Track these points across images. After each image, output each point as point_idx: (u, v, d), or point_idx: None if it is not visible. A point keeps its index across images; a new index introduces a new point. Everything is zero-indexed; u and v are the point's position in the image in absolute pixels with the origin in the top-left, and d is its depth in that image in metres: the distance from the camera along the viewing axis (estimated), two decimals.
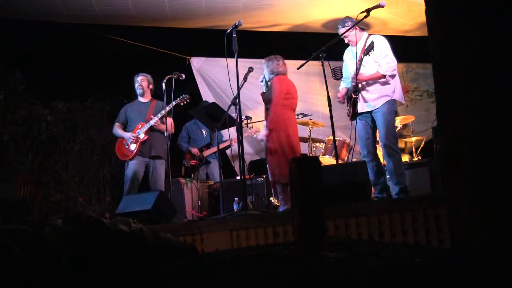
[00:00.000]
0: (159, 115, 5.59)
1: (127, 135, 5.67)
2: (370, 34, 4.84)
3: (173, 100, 5.55)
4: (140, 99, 5.91)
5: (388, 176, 4.89)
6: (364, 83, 4.65)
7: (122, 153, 5.70)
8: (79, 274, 1.44)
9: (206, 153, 6.77)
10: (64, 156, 8.16)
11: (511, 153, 1.33)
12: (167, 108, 5.54)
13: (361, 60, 4.57)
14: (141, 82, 5.84)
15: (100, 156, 8.49)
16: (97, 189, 8.31)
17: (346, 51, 5.01)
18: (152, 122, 5.59)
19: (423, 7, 1.60)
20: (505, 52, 1.36)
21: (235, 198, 5.76)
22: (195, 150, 6.79)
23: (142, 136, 5.60)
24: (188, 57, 7.85)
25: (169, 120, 5.56)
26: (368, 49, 4.51)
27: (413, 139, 6.62)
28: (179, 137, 7.07)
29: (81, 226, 1.57)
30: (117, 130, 5.84)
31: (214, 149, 6.72)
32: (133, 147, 5.62)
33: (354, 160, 5.93)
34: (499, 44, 1.37)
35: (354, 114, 4.76)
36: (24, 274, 1.38)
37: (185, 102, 5.76)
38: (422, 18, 1.63)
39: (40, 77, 7.76)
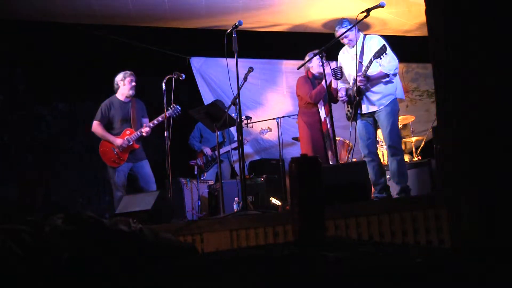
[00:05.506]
0: (151, 125, 5.40)
1: (118, 141, 5.38)
2: (366, 35, 4.84)
3: (166, 111, 5.25)
4: (121, 97, 5.60)
5: (388, 176, 4.89)
6: (368, 84, 4.66)
7: (110, 160, 5.43)
8: (79, 274, 1.44)
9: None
10: (64, 156, 8.16)
11: (511, 153, 1.33)
12: (159, 119, 5.37)
13: (370, 62, 4.56)
14: (135, 81, 5.58)
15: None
16: (97, 189, 8.31)
17: (341, 52, 5.00)
18: (144, 131, 5.39)
19: (423, 7, 1.60)
20: (505, 52, 1.36)
21: (235, 198, 5.75)
22: (207, 150, 6.79)
23: (133, 144, 5.41)
24: (188, 57, 7.85)
25: (152, 124, 5.42)
26: (380, 52, 4.48)
27: (413, 139, 6.62)
28: (190, 136, 7.06)
29: (81, 226, 1.57)
30: (100, 130, 5.50)
31: (226, 148, 6.75)
32: (123, 154, 5.40)
33: (354, 160, 5.93)
34: (499, 44, 1.37)
35: (356, 115, 4.76)
36: (24, 274, 1.37)
37: (177, 114, 5.41)
38: (422, 18, 1.63)
39: (40, 77, 7.75)
